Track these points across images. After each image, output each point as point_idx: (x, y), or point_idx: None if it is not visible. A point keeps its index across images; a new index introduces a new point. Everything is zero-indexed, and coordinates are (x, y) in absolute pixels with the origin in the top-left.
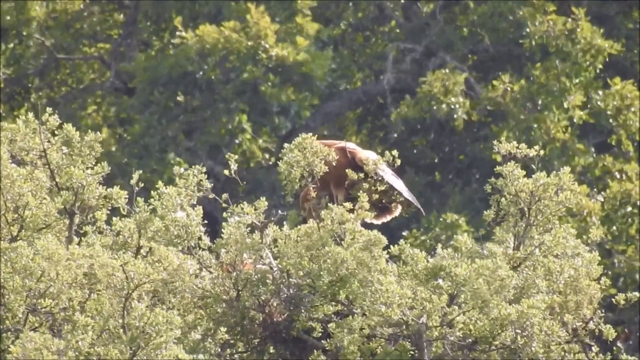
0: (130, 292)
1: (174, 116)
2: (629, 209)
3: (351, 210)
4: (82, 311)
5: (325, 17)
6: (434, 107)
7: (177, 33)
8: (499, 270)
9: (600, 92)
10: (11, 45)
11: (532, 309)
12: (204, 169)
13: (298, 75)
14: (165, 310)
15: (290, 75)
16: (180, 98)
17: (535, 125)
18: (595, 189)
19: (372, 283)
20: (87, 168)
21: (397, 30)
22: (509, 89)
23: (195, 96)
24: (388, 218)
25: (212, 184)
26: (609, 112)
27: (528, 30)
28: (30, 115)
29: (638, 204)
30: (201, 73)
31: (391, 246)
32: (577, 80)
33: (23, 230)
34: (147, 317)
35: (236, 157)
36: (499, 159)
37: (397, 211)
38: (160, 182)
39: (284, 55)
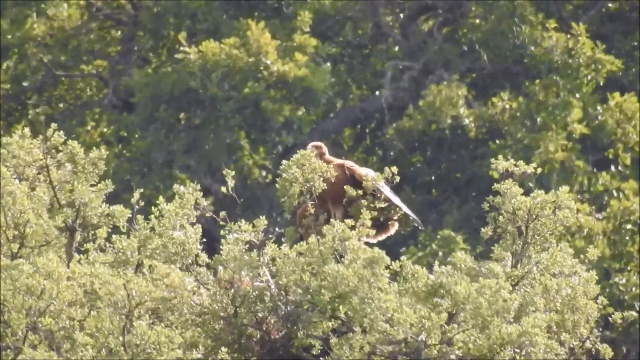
0: (131, 310)
1: (176, 133)
2: (629, 226)
3: (352, 228)
4: (82, 329)
5: (324, 34)
6: (440, 118)
7: (181, 48)
8: (502, 291)
9: (599, 108)
10: (10, 62)
11: (535, 327)
12: (198, 187)
13: (299, 89)
14: (164, 328)
15: (291, 90)
16: (182, 115)
17: (533, 145)
18: (594, 207)
19: (372, 300)
20: (90, 185)
21: (396, 48)
22: (507, 107)
23: (197, 114)
24: (384, 237)
25: (210, 202)
26: (608, 127)
27: (532, 48)
28: (27, 130)
29: (639, 222)
30: (202, 90)
31: (392, 262)
32: (577, 95)
33: (23, 248)
34: (149, 335)
35: (233, 173)
36: (496, 176)
37: (394, 229)
38: (161, 198)
39: (284, 70)
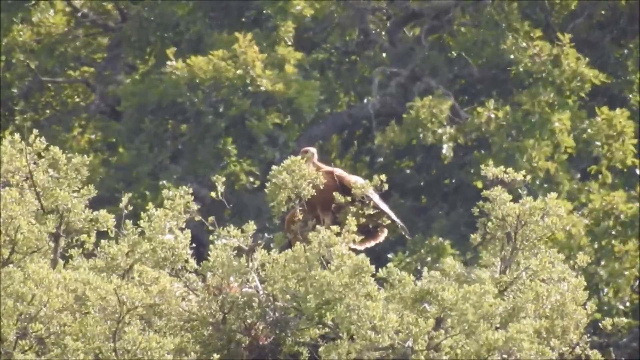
0: (122, 315)
1: (162, 142)
2: (612, 224)
3: (338, 234)
4: (72, 334)
5: (311, 41)
6: (421, 135)
7: (168, 63)
8: (486, 296)
9: (587, 121)
10: None
11: (521, 333)
12: (191, 190)
13: (285, 106)
14: (153, 333)
15: (278, 106)
16: (169, 126)
17: (517, 155)
18: (580, 213)
19: (358, 307)
20: (73, 191)
21: (384, 55)
22: (492, 116)
23: (182, 127)
24: (372, 244)
25: (199, 207)
26: (597, 142)
27: (512, 57)
28: (17, 136)
29: (621, 217)
30: (189, 103)
31: (379, 269)
32: (561, 110)
33: (14, 254)
34: (140, 341)
35: (223, 179)
36: (480, 186)
37: (382, 237)
38: (150, 204)
39: (273, 89)
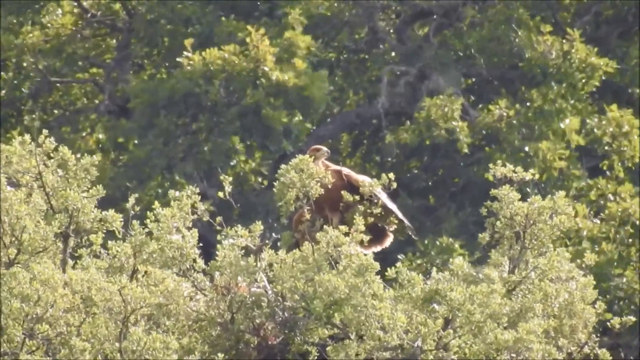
0: (127, 316)
1: (175, 138)
2: (627, 228)
3: (347, 234)
4: (78, 335)
5: (319, 38)
6: (434, 134)
7: (185, 53)
8: (494, 295)
9: (596, 119)
10: (9, 74)
11: (530, 334)
12: (197, 190)
13: (297, 97)
14: (160, 333)
15: (290, 98)
16: (182, 122)
17: (532, 154)
18: (591, 212)
19: (366, 308)
20: (82, 191)
21: (392, 54)
22: (505, 114)
23: (197, 119)
24: (379, 248)
25: (206, 206)
26: (605, 140)
27: (527, 54)
28: (27, 136)
29: (638, 223)
30: (204, 94)
31: (388, 269)
32: (572, 102)
33: (20, 254)
34: (145, 341)
35: (230, 179)
36: (491, 179)
37: (389, 241)
38: (157, 203)
39: (284, 79)
